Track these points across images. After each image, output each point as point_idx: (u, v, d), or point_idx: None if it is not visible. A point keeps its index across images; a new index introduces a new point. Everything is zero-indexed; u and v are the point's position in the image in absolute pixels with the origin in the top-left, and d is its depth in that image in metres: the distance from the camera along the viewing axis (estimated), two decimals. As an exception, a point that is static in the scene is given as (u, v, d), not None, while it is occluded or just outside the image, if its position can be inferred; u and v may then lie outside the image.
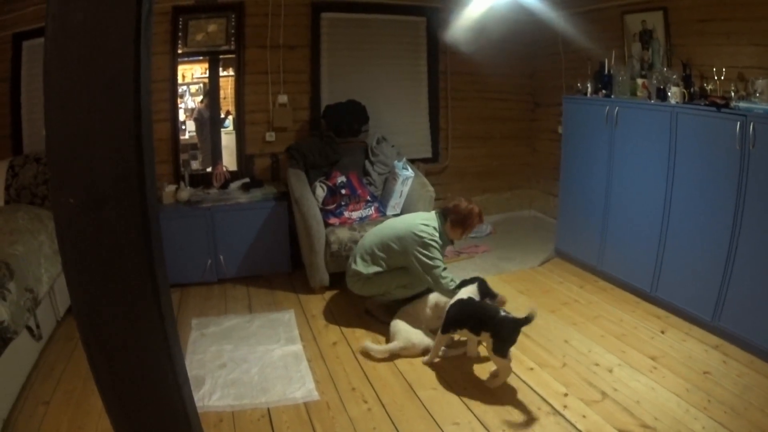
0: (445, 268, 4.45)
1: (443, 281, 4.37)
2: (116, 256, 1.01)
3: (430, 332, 4.32)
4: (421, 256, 4.41)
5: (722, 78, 4.51)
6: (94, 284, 1.04)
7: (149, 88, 0.98)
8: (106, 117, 0.93)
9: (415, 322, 4.35)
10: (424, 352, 4.22)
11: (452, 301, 4.12)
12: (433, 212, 4.74)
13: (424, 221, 4.56)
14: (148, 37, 0.94)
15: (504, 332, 3.73)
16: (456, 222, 4.58)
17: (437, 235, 4.51)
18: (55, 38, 0.92)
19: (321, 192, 5.70)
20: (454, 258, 6.14)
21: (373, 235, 4.78)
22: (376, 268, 4.62)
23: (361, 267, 4.65)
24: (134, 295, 1.05)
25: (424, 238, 4.43)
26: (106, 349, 1.10)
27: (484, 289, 4.19)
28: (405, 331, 4.25)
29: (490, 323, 3.77)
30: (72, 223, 0.99)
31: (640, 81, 5.17)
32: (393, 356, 4.19)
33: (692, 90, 4.64)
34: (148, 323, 1.08)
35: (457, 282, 4.33)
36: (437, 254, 4.45)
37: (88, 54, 0.91)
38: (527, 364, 4.09)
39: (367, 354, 4.25)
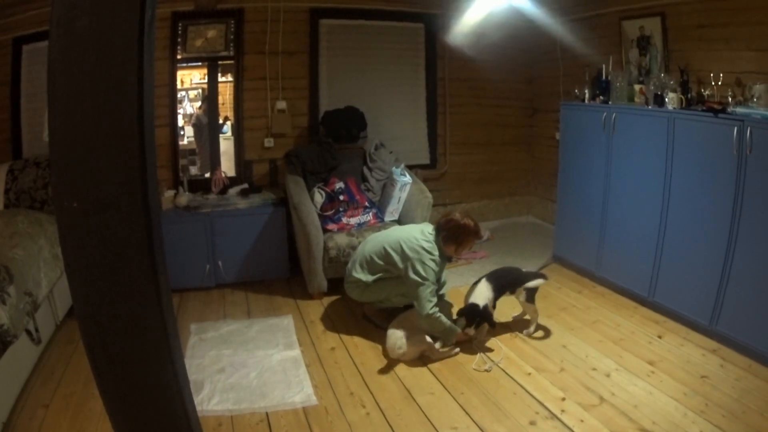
0: (432, 292, 4.33)
1: (427, 303, 4.25)
2: (119, 260, 1.01)
3: (428, 337, 4.33)
4: (412, 274, 4.33)
5: (719, 83, 4.52)
6: (97, 287, 1.04)
7: (152, 93, 0.99)
8: (110, 121, 0.94)
9: (412, 329, 4.34)
10: (422, 357, 4.23)
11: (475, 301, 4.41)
12: (432, 226, 4.67)
13: (427, 238, 4.46)
14: (151, 42, 0.95)
15: (530, 283, 4.63)
16: (448, 238, 4.48)
17: (437, 251, 4.43)
18: (60, 43, 0.93)
19: (319, 198, 5.71)
20: (452, 263, 6.13)
21: (374, 242, 4.73)
22: (377, 276, 4.60)
23: (361, 275, 4.63)
24: (137, 299, 1.06)
25: (425, 255, 4.35)
26: (109, 352, 1.11)
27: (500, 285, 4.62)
28: (402, 338, 4.25)
29: (523, 279, 4.64)
30: (75, 227, 1.00)
31: (637, 87, 5.18)
32: (392, 362, 4.21)
33: (689, 95, 4.65)
34: (150, 327, 1.09)
35: (442, 315, 4.31)
36: (431, 274, 4.33)
37: (92, 59, 0.92)
38: (525, 369, 4.10)
39: (366, 363, 4.27)
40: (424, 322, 4.30)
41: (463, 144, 7.48)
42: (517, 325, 4.77)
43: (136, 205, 0.97)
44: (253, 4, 6.16)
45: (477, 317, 4.33)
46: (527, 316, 4.79)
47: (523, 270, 4.86)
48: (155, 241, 1.03)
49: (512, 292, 4.68)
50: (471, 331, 4.36)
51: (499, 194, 7.88)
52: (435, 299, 4.34)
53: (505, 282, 4.63)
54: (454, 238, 4.48)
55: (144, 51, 0.93)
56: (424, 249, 4.37)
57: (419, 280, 4.29)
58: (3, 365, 3.34)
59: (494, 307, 4.55)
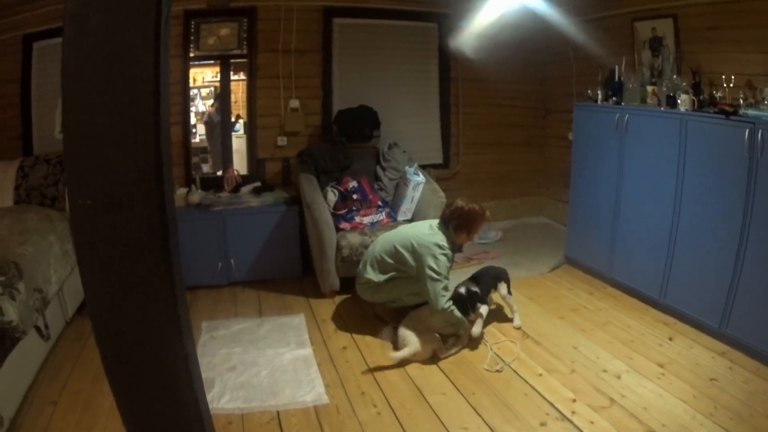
0: (445, 287, 4.34)
1: (441, 298, 4.26)
2: (133, 258, 1.02)
3: (438, 336, 4.34)
4: (427, 270, 4.32)
5: (731, 85, 4.50)
6: (110, 285, 1.05)
7: (167, 92, 0.99)
8: (125, 119, 0.94)
9: (423, 327, 4.34)
10: (433, 356, 4.23)
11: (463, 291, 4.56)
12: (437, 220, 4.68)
13: (435, 232, 4.48)
14: (166, 40, 0.95)
15: (507, 276, 4.98)
16: (459, 226, 4.51)
17: (448, 245, 4.44)
18: (74, 40, 0.93)
19: (332, 197, 5.71)
20: (464, 264, 6.13)
21: (384, 242, 4.72)
22: (389, 275, 4.59)
23: (372, 275, 4.63)
24: (151, 297, 1.06)
25: (435, 250, 4.35)
26: (120, 349, 1.11)
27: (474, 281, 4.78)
28: (413, 337, 4.25)
29: (501, 276, 4.91)
30: (88, 225, 1.00)
31: (650, 88, 5.15)
32: (402, 362, 4.20)
33: (701, 97, 4.63)
34: (164, 325, 1.09)
35: (455, 307, 4.34)
36: (444, 269, 4.35)
37: (107, 56, 0.92)
38: (536, 370, 4.09)
39: (378, 362, 4.26)
40: (437, 317, 4.32)
41: (475, 144, 7.47)
42: (526, 324, 4.77)
43: (151, 203, 0.97)
44: (265, 2, 6.18)
45: (465, 301, 4.45)
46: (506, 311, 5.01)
47: (495, 265, 5.14)
48: (170, 239, 1.03)
49: (495, 289, 4.85)
50: (473, 316, 4.48)
51: (510, 194, 7.87)
52: (448, 294, 4.34)
53: (488, 279, 4.83)
54: (464, 225, 4.52)
55: (160, 49, 0.93)
56: (435, 244, 4.38)
57: (434, 275, 4.29)
58: (11, 361, 3.35)
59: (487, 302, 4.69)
